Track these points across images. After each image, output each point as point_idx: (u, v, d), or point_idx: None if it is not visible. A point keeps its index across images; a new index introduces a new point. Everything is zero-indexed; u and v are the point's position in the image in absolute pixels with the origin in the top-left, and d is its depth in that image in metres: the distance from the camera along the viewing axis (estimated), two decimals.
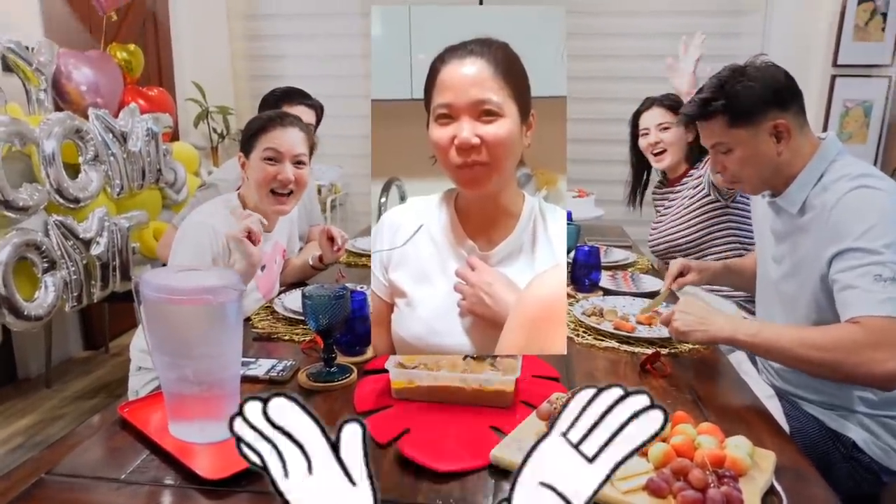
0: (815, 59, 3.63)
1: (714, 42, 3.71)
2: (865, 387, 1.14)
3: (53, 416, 2.68)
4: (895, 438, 1.28)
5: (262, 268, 1.68)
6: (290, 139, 1.60)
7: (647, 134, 2.19)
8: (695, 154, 2.16)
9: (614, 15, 3.83)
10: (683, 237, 2.13)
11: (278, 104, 2.25)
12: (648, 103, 2.20)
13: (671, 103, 2.15)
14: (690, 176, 2.16)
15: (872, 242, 1.13)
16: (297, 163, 1.62)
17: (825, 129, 3.66)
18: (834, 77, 3.61)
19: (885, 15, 3.52)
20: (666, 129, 2.14)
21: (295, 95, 2.30)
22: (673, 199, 2.21)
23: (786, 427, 1.30)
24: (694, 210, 2.11)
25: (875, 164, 3.66)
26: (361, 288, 1.69)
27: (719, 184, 1.96)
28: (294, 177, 1.60)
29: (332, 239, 1.82)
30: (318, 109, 2.37)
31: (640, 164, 2.34)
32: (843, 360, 1.09)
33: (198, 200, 1.99)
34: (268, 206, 1.61)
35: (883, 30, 3.54)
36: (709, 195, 2.05)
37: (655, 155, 2.18)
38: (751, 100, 1.27)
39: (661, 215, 2.28)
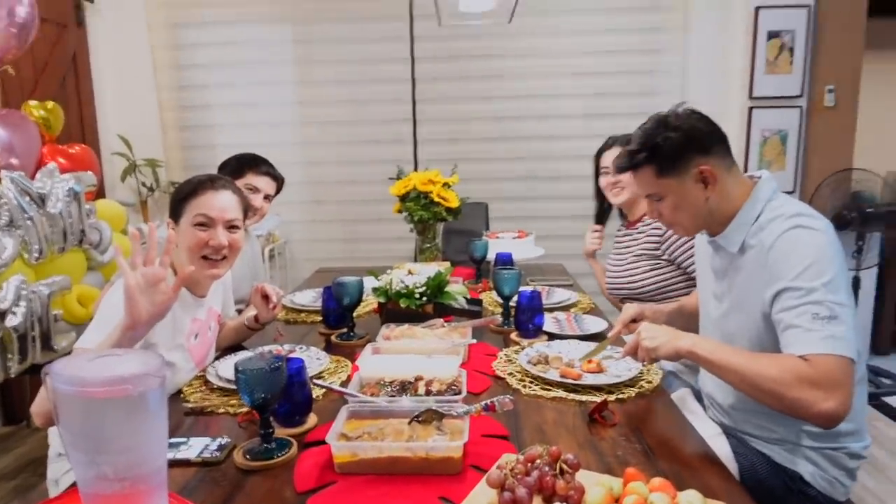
0: (733, 93, 3.83)
1: (638, 79, 3.91)
2: (803, 420, 1.16)
3: None
4: (840, 470, 1.30)
5: (196, 336, 1.59)
6: (221, 203, 1.54)
7: (606, 173, 2.23)
8: None
9: (539, 57, 3.94)
10: (643, 284, 2.13)
11: (242, 170, 2.20)
12: (610, 142, 2.25)
13: None
14: (645, 223, 2.17)
15: (809, 282, 1.16)
16: (231, 227, 1.56)
17: (746, 157, 3.84)
18: (751, 109, 3.81)
19: (791, 50, 3.75)
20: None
21: (262, 164, 2.27)
22: (629, 245, 2.22)
23: (735, 466, 1.31)
24: (648, 258, 2.13)
25: (794, 187, 3.86)
26: (300, 349, 1.64)
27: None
28: (227, 241, 1.54)
29: (266, 297, 1.76)
30: (281, 181, 2.36)
31: (602, 203, 2.39)
32: (784, 392, 1.11)
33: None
34: (200, 271, 1.53)
35: (791, 63, 3.77)
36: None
37: (613, 192, 2.22)
38: (673, 150, 1.31)
39: (617, 258, 2.28)
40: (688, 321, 1.68)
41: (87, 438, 0.85)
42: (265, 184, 2.27)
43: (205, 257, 1.53)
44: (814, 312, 1.14)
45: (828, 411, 1.08)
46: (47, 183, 2.48)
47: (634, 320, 1.60)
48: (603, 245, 2.44)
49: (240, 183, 2.11)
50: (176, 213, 1.55)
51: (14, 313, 2.25)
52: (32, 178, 2.46)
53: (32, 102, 2.80)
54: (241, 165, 2.24)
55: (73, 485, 1.03)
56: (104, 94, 3.85)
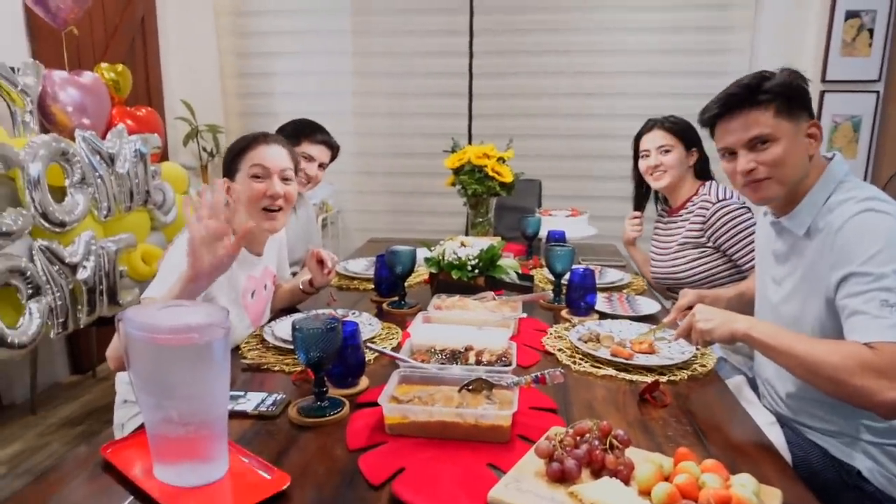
0: (805, 75, 3.65)
1: (703, 58, 3.77)
2: (863, 410, 1.12)
3: (39, 444, 2.61)
4: None
5: (252, 294, 1.64)
6: (274, 154, 1.60)
7: (647, 156, 2.17)
8: (696, 177, 2.16)
9: (601, 32, 3.84)
10: (690, 273, 2.09)
11: (298, 138, 2.23)
12: (650, 125, 2.18)
13: (672, 125, 2.14)
14: (688, 209, 2.13)
15: (878, 267, 1.11)
16: (284, 178, 1.61)
17: None
18: (823, 93, 3.63)
19: (871, 31, 3.55)
20: (667, 151, 2.12)
21: (317, 132, 2.30)
22: (673, 233, 2.18)
23: (789, 456, 1.28)
24: (693, 245, 2.08)
25: (865, 177, 3.68)
26: (353, 315, 1.67)
27: (738, 187, 1.89)
28: (283, 191, 1.59)
29: (321, 262, 1.79)
30: (336, 149, 2.38)
31: (641, 187, 2.33)
32: (846, 379, 1.07)
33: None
34: (259, 223, 1.58)
35: (870, 45, 3.57)
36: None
37: (654, 176, 2.16)
38: (800, 92, 1.28)
39: (661, 247, 2.23)
40: (747, 307, 1.64)
41: (155, 383, 0.89)
42: (320, 152, 2.30)
43: (264, 209, 1.58)
44: (882, 299, 1.09)
45: (892, 401, 1.04)
46: (116, 143, 2.58)
47: (690, 308, 1.57)
48: (643, 230, 2.39)
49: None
50: (231, 171, 1.60)
51: (84, 267, 2.36)
52: (103, 138, 2.56)
53: (104, 65, 2.91)
54: (298, 133, 2.27)
55: (138, 428, 1.08)
56: (169, 58, 3.96)
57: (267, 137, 1.62)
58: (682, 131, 2.13)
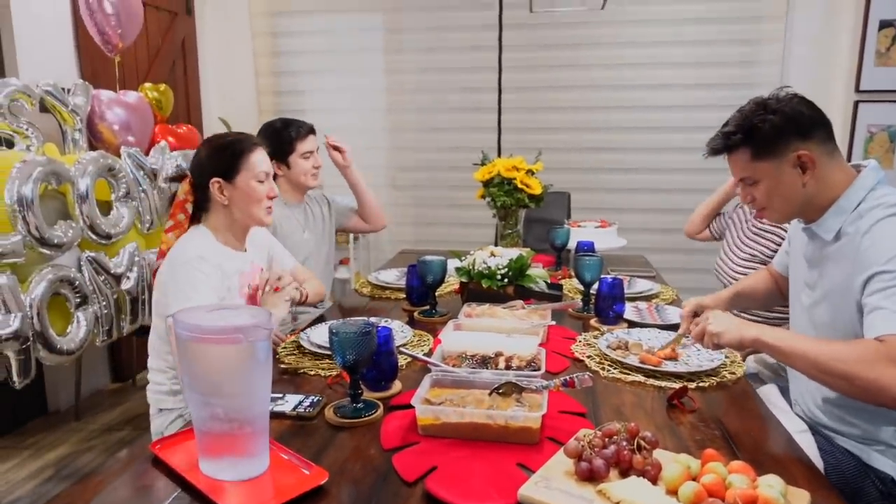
0: (837, 86, 3.62)
1: (734, 70, 3.76)
2: (883, 406, 1.10)
3: (83, 449, 2.71)
4: None
5: (248, 286, 1.76)
6: (266, 158, 1.75)
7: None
8: None
9: (629, 47, 3.86)
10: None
11: (291, 144, 2.29)
12: None
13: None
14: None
15: None
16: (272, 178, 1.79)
17: (850, 154, 3.63)
18: (857, 103, 3.59)
19: None
20: None
21: (300, 127, 2.33)
22: (759, 244, 2.24)
23: (821, 464, 1.27)
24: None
25: None
26: (386, 322, 1.71)
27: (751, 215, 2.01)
28: (277, 191, 1.78)
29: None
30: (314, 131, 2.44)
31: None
32: (859, 372, 1.06)
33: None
34: (262, 220, 1.74)
35: None
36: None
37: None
38: (771, 133, 1.28)
39: (743, 252, 2.30)
40: (748, 303, 1.76)
41: (202, 380, 0.95)
42: (314, 142, 2.37)
43: (266, 207, 1.73)
44: None
45: None
46: (159, 159, 2.68)
47: (696, 314, 1.58)
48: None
49: (293, 156, 2.29)
50: (228, 171, 1.69)
51: (128, 278, 2.46)
52: (146, 154, 2.67)
53: (147, 85, 3.03)
54: (289, 140, 2.30)
55: (179, 429, 1.14)
56: (208, 78, 4.10)
57: (258, 141, 1.75)
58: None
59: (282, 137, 2.30)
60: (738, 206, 2.45)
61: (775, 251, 2.07)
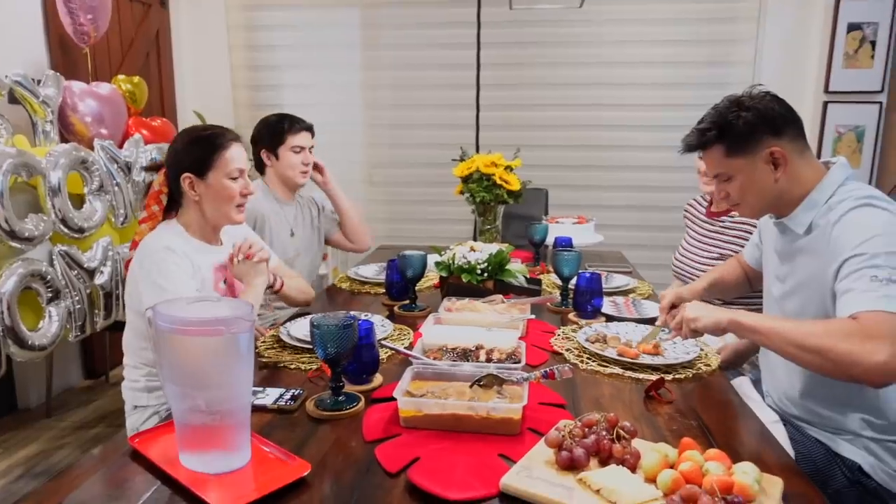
0: (807, 86, 3.71)
1: (708, 70, 3.82)
2: (855, 381, 1.14)
3: (55, 447, 2.66)
4: None
5: (224, 281, 1.73)
6: (242, 154, 1.70)
7: None
8: None
9: (606, 45, 3.90)
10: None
11: (281, 136, 2.28)
12: None
13: None
14: (733, 217, 2.18)
15: (871, 249, 1.15)
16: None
17: (819, 153, 3.71)
18: (826, 103, 3.68)
19: (873, 43, 3.60)
20: None
21: (294, 122, 2.32)
22: (715, 239, 2.23)
23: (792, 452, 1.31)
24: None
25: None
26: (366, 316, 1.71)
27: (720, 209, 2.01)
28: (251, 188, 1.72)
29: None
30: (313, 127, 2.43)
31: None
32: (832, 346, 1.09)
33: None
34: (233, 217, 1.69)
35: (872, 57, 3.61)
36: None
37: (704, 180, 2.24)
38: (745, 129, 1.31)
39: (698, 246, 2.30)
40: (720, 293, 1.77)
41: (183, 373, 0.94)
42: (308, 138, 2.35)
43: (238, 205, 1.69)
44: (872, 275, 1.12)
45: (878, 364, 1.04)
46: (133, 152, 2.64)
47: (674, 305, 1.61)
48: None
49: (283, 148, 2.26)
50: (201, 166, 1.63)
51: (101, 272, 2.42)
52: (120, 147, 2.63)
53: (120, 77, 2.98)
54: (280, 132, 2.29)
55: (162, 420, 1.13)
56: (183, 71, 4.04)
57: (234, 136, 1.69)
58: None
59: (274, 129, 2.29)
60: (694, 198, 2.43)
61: (741, 247, 2.09)
